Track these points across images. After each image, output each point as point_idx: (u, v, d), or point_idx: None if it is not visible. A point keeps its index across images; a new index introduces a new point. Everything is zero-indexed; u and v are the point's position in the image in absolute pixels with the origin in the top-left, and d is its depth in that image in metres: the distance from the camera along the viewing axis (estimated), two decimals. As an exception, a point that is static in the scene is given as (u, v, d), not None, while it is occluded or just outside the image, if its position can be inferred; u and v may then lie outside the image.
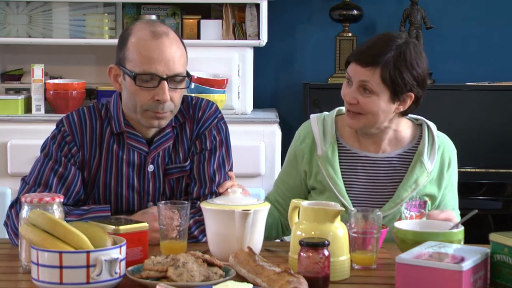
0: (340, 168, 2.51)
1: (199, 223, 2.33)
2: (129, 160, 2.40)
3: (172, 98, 2.31)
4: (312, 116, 2.60)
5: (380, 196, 2.49)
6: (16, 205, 2.31)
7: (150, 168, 2.41)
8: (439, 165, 2.51)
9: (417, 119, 2.58)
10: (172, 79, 2.30)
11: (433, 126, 2.55)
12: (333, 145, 2.52)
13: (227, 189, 2.39)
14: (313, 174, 2.54)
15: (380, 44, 2.43)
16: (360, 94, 2.42)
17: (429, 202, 2.50)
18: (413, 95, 2.43)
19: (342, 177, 2.50)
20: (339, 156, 2.53)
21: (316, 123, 2.57)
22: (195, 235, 2.34)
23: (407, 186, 2.47)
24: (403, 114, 2.50)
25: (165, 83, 2.29)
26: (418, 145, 2.52)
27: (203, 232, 2.27)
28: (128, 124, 2.40)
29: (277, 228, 2.59)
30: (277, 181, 2.65)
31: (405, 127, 2.54)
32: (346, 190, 2.49)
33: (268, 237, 2.45)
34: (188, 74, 2.35)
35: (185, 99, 2.46)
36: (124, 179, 2.41)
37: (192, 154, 2.44)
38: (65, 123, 2.41)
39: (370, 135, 2.51)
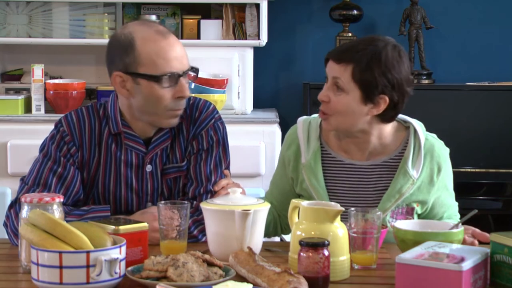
0: (325, 176, 2.47)
1: (198, 223, 2.33)
2: (127, 160, 2.40)
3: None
4: (299, 120, 2.57)
5: (364, 205, 2.42)
6: (15, 205, 2.31)
7: (148, 168, 2.41)
8: (429, 173, 2.44)
9: (405, 121, 2.50)
10: (185, 73, 2.34)
11: (420, 129, 2.46)
12: (316, 153, 2.48)
13: (222, 187, 2.39)
14: (299, 181, 2.51)
15: (359, 43, 2.39)
16: (332, 92, 2.39)
17: (417, 208, 2.45)
18: (387, 99, 2.34)
19: (326, 186, 2.46)
20: (323, 163, 2.48)
21: (302, 128, 2.52)
22: (195, 234, 2.34)
23: (391, 196, 2.42)
24: (384, 120, 2.41)
25: (183, 79, 2.32)
26: (405, 151, 2.44)
27: (202, 231, 2.27)
28: (126, 125, 2.40)
29: (275, 226, 2.58)
30: (271, 183, 2.63)
31: (389, 134, 2.45)
32: (330, 199, 2.44)
33: (265, 233, 2.45)
34: (194, 67, 2.39)
35: None
36: (122, 179, 2.41)
37: (189, 154, 2.44)
38: (64, 123, 2.41)
39: (353, 141, 2.45)
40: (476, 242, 2.26)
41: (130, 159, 2.40)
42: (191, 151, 2.44)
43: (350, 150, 2.47)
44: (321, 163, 2.48)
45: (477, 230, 2.28)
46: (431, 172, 2.45)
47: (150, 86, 2.30)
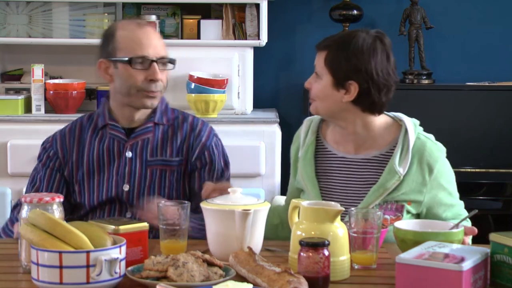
0: (317, 168, 2.51)
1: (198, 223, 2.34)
2: (109, 148, 2.59)
3: (161, 78, 2.57)
4: (304, 119, 2.64)
5: (352, 199, 2.45)
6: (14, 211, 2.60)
7: (128, 154, 2.59)
8: (419, 172, 2.43)
9: (400, 119, 2.50)
10: (160, 61, 2.56)
11: (411, 128, 2.46)
12: (310, 146, 2.54)
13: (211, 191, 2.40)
14: (298, 175, 2.56)
15: (340, 33, 2.55)
16: (313, 79, 2.49)
17: (409, 207, 2.44)
18: (356, 85, 2.40)
19: (319, 178, 2.50)
20: (318, 156, 2.53)
21: (304, 125, 2.61)
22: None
23: (375, 190, 2.42)
24: (364, 110, 2.44)
25: (156, 64, 2.54)
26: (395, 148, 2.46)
27: (194, 229, 2.33)
28: (112, 118, 2.61)
29: (283, 229, 2.57)
30: (289, 186, 2.68)
31: (379, 127, 2.48)
32: (322, 191, 2.48)
33: (275, 238, 2.44)
34: (171, 58, 2.60)
35: (182, 114, 2.68)
36: (106, 165, 2.58)
37: (193, 171, 2.60)
38: (48, 138, 2.68)
39: (341, 131, 2.50)
40: (467, 241, 2.25)
41: (112, 147, 2.60)
42: (195, 168, 2.60)
43: (341, 141, 2.52)
44: (314, 156, 2.53)
45: (466, 226, 2.27)
46: (422, 171, 2.44)
47: (125, 68, 2.55)
